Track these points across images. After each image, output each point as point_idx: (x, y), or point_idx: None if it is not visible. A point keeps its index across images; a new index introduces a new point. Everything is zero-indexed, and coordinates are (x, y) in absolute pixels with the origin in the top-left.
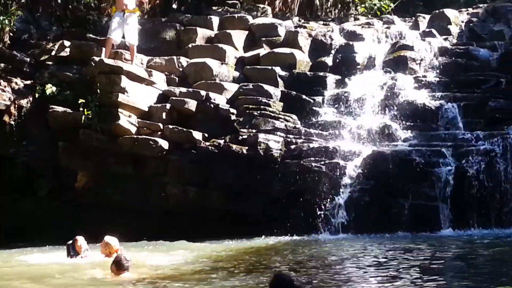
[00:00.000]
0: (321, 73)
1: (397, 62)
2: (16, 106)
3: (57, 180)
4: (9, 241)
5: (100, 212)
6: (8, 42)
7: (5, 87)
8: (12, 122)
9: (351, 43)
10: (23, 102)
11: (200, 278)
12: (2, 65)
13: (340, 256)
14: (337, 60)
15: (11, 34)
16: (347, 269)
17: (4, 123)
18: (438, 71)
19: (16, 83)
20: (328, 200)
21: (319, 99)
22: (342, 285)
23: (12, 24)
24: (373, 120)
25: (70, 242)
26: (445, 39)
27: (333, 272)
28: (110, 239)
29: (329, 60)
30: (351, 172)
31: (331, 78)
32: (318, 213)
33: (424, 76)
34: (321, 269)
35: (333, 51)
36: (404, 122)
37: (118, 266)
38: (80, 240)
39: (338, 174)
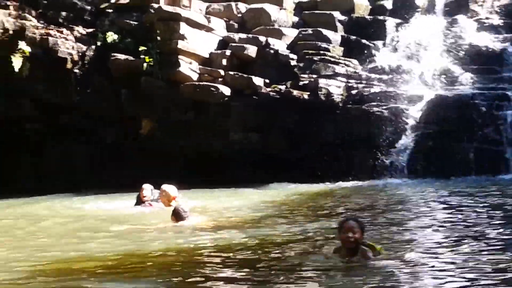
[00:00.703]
0: (381, 17)
1: (459, 4)
2: (79, 54)
3: (122, 127)
4: (82, 183)
5: (164, 159)
6: None
7: (67, 35)
8: (76, 70)
9: None
10: (86, 50)
11: (258, 225)
12: (64, 13)
13: (404, 200)
14: (397, 3)
15: None
16: (410, 213)
17: (67, 71)
18: (501, 12)
19: (78, 31)
20: (391, 145)
21: (379, 43)
22: (403, 230)
23: None
24: (435, 64)
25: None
26: None
27: (394, 217)
28: (167, 187)
29: (388, 3)
30: (413, 117)
31: (391, 22)
32: (381, 158)
33: (487, 18)
34: (384, 212)
35: None
36: (467, 65)
37: (177, 216)
38: (146, 188)
39: (400, 118)
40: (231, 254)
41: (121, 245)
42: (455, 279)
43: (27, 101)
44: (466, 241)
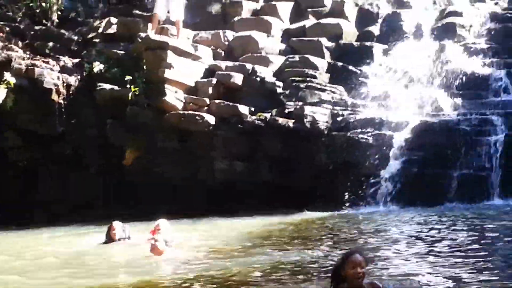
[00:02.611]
0: (368, 43)
1: (446, 29)
2: (65, 84)
3: (106, 157)
4: (61, 215)
5: (148, 190)
6: (56, 20)
7: (53, 66)
8: (61, 101)
9: (398, 11)
10: (72, 80)
11: (241, 255)
12: (51, 44)
13: (389, 230)
14: (384, 29)
15: (59, 12)
16: (393, 243)
17: (53, 102)
18: (488, 37)
19: (64, 61)
20: (376, 172)
21: (366, 69)
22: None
23: (60, 3)
24: (421, 90)
25: (107, 228)
26: (495, 4)
27: (381, 246)
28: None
29: (376, 30)
30: (398, 143)
31: (378, 48)
32: (366, 185)
33: (474, 43)
34: (370, 242)
35: (380, 20)
36: (452, 90)
37: (153, 249)
38: (116, 227)
39: (385, 145)
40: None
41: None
42: None
43: (12, 133)
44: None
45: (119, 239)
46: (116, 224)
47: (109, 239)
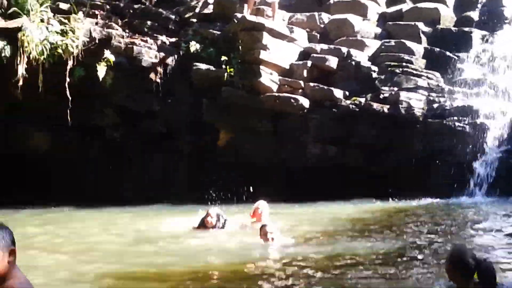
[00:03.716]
0: (467, 29)
1: None
2: (162, 63)
3: (199, 138)
4: (158, 196)
5: (240, 171)
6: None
7: (151, 44)
8: (158, 80)
9: None
10: (169, 59)
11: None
12: (149, 22)
13: (482, 220)
14: (484, 15)
15: None
16: (489, 235)
17: (150, 80)
18: None
19: (161, 40)
20: (472, 161)
21: (464, 55)
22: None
23: None
24: None
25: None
26: None
27: (473, 236)
28: (258, 203)
29: (475, 15)
30: (496, 133)
31: (477, 34)
32: (461, 174)
33: None
34: (461, 233)
35: (479, 5)
36: None
37: (263, 234)
38: (212, 214)
39: (482, 134)
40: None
41: None
42: None
43: (110, 109)
44: None
45: (213, 227)
46: (213, 211)
47: (203, 225)
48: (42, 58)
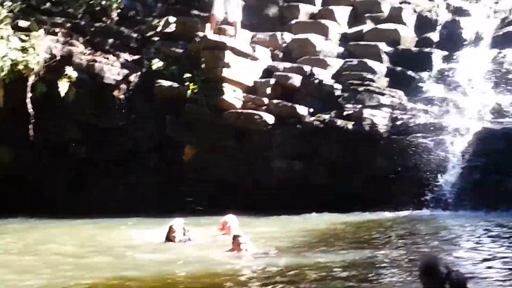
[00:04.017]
0: (427, 49)
1: (507, 37)
2: (125, 80)
3: (163, 154)
4: (119, 211)
5: (205, 187)
6: (116, 18)
7: (113, 62)
8: (122, 96)
9: (457, 18)
10: (132, 77)
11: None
12: (110, 40)
13: (446, 234)
14: (443, 36)
15: (118, 10)
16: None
17: (114, 97)
18: None
19: (124, 58)
20: (436, 177)
21: (425, 75)
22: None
23: (119, 1)
24: (482, 96)
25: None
26: None
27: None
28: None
29: (434, 36)
30: (459, 149)
31: (438, 54)
32: (425, 190)
33: None
34: (425, 245)
35: (438, 27)
36: None
37: (236, 245)
38: (176, 228)
39: (445, 151)
40: None
41: None
42: None
43: (73, 125)
44: None
45: (179, 241)
46: (177, 226)
47: (168, 240)
48: (2, 74)
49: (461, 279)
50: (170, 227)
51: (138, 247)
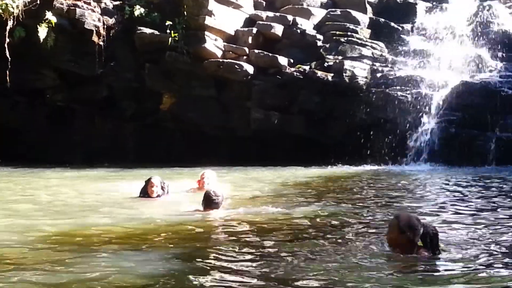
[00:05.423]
0: (412, 0)
1: None
2: (105, 26)
3: (141, 102)
4: (95, 160)
5: (182, 136)
6: None
7: (94, 7)
8: (101, 43)
9: None
10: (112, 22)
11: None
12: None
13: (420, 187)
14: None
15: None
16: (427, 200)
17: (93, 43)
18: None
19: (105, 3)
20: (413, 130)
21: (408, 26)
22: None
23: None
24: (463, 50)
25: (145, 183)
26: None
27: (411, 203)
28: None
29: None
30: (437, 103)
31: (422, 5)
32: (402, 143)
33: None
34: (399, 199)
35: None
36: (496, 52)
37: (207, 202)
38: (155, 183)
39: (424, 104)
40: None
41: None
42: None
43: (51, 72)
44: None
45: (158, 196)
46: (156, 180)
47: (146, 195)
48: None
49: (435, 231)
50: (150, 181)
51: (114, 201)
